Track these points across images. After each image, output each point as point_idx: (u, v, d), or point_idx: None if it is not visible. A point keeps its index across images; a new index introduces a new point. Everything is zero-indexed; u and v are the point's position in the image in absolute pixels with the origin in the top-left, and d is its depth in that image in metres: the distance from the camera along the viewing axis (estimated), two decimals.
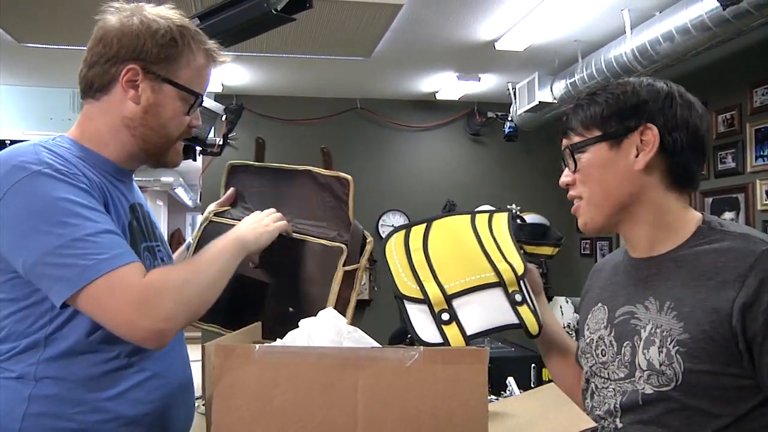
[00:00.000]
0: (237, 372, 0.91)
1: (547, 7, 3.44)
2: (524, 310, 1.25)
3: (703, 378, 1.05)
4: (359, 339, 1.08)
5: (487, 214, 1.41)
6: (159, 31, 1.23)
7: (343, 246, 1.48)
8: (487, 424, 0.92)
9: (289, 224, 1.48)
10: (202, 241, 1.51)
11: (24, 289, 1.14)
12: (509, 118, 5.13)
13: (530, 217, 1.50)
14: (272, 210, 1.45)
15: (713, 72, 4.08)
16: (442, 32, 3.94)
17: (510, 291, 1.27)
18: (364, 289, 5.30)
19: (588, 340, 1.27)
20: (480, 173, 5.79)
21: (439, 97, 5.42)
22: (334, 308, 1.42)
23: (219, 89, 5.13)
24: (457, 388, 0.91)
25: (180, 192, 10.92)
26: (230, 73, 4.80)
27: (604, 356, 1.21)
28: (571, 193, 1.24)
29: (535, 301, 1.31)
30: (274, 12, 1.88)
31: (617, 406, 1.16)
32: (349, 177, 1.55)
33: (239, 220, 1.45)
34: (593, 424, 1.13)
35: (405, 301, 1.27)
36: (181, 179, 9.76)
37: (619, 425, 1.15)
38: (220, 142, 4.96)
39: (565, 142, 1.24)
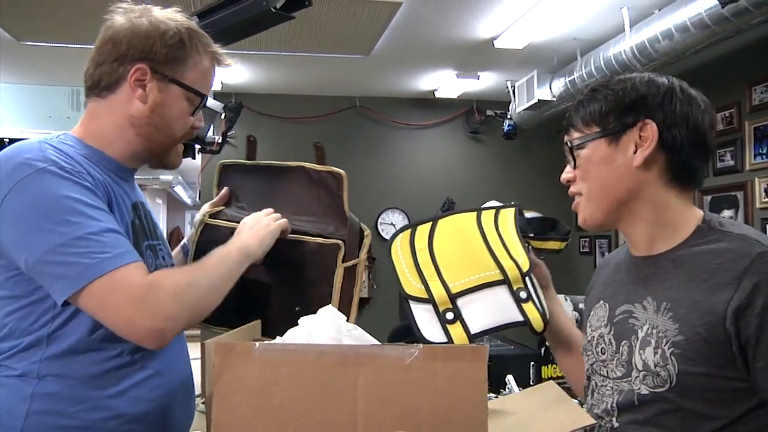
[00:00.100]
0: (237, 370, 0.91)
1: (546, 5, 3.44)
2: (529, 307, 1.25)
3: (698, 380, 1.04)
4: (359, 337, 1.08)
5: (494, 211, 1.40)
6: (168, 32, 1.24)
7: (340, 243, 1.48)
8: (487, 421, 0.93)
9: (287, 222, 1.48)
10: (201, 245, 1.50)
11: (26, 286, 1.14)
12: (508, 116, 5.13)
13: (529, 215, 1.49)
14: (270, 210, 1.45)
15: (712, 70, 4.08)
16: (441, 30, 3.94)
17: (515, 288, 1.26)
18: (364, 287, 5.30)
19: (589, 338, 1.27)
20: (479, 171, 5.79)
21: (438, 95, 5.42)
22: (339, 305, 1.43)
23: (218, 87, 5.12)
24: (457, 385, 0.91)
25: (179, 190, 10.91)
26: (229, 71, 4.79)
27: (603, 354, 1.21)
28: (572, 189, 1.24)
29: (541, 297, 1.30)
30: (273, 10, 1.88)
31: (614, 405, 1.16)
32: (342, 172, 1.54)
33: (235, 221, 1.45)
34: (592, 421, 1.13)
35: (410, 301, 1.28)
36: (180, 177, 9.75)
37: (616, 425, 1.15)
38: (220, 141, 4.94)
39: (566, 138, 1.24)
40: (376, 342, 1.08)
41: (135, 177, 1.39)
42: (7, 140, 4.84)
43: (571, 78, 4.16)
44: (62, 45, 4.06)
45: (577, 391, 1.41)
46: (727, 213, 4.07)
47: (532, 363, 3.14)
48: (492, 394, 2.30)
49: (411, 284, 1.29)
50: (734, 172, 4.06)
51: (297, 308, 1.42)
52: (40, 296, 1.14)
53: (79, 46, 3.95)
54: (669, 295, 1.11)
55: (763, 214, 3.89)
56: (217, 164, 1.67)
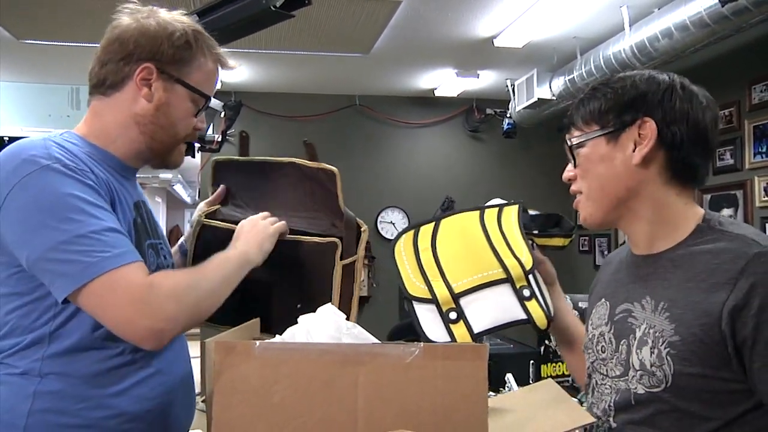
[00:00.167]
0: (237, 368, 0.91)
1: (546, 4, 3.44)
2: (532, 305, 1.25)
3: (693, 381, 1.04)
4: (358, 335, 1.08)
5: (497, 208, 1.40)
6: (175, 33, 1.26)
7: (337, 240, 1.48)
8: (487, 419, 0.93)
9: (285, 224, 1.47)
10: (199, 247, 1.50)
11: (28, 283, 1.14)
12: (508, 115, 5.13)
13: (533, 213, 1.48)
14: (266, 213, 1.45)
15: (712, 69, 4.08)
16: (440, 29, 3.94)
17: (518, 287, 1.27)
18: (363, 285, 5.31)
19: (590, 336, 1.27)
20: (478, 170, 5.79)
21: (437, 93, 5.42)
22: (339, 303, 1.43)
23: (218, 86, 5.10)
24: (458, 384, 0.91)
25: (178, 189, 10.92)
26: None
27: (603, 353, 1.21)
28: (573, 188, 1.24)
29: (546, 294, 1.30)
30: (273, 8, 1.89)
31: (611, 404, 1.15)
32: (334, 169, 1.53)
33: (233, 222, 1.45)
34: (592, 420, 1.13)
35: (414, 302, 1.28)
36: (179, 176, 9.76)
37: (613, 425, 1.15)
38: (219, 139, 4.96)
39: (567, 137, 1.24)
40: (375, 341, 1.08)
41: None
42: (7, 139, 4.85)
43: (571, 77, 4.16)
44: (62, 44, 4.06)
45: (583, 388, 1.41)
46: (726, 212, 4.07)
47: (531, 362, 3.14)
48: (491, 393, 2.30)
49: (414, 285, 1.29)
50: (734, 171, 4.06)
51: (298, 305, 1.42)
52: (42, 294, 1.14)
53: (79, 44, 3.96)
54: (667, 294, 1.10)
55: (762, 213, 3.89)
56: (210, 162, 1.66)
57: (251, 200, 1.56)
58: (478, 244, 1.33)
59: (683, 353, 1.04)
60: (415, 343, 0.93)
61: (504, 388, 2.43)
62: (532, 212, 1.47)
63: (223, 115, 4.91)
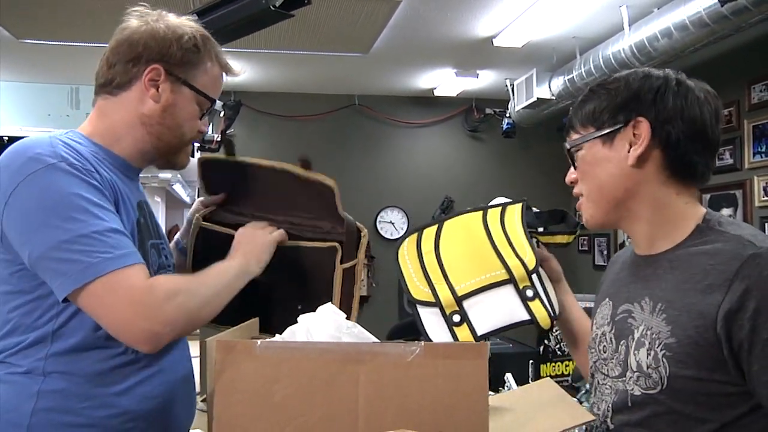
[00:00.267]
0: (238, 367, 0.91)
1: (546, 4, 3.44)
2: (535, 305, 1.25)
3: (689, 383, 1.03)
4: (358, 334, 1.08)
5: (500, 208, 1.40)
6: (184, 36, 1.28)
7: (337, 245, 1.48)
8: (488, 418, 0.93)
9: (283, 233, 1.46)
10: (198, 253, 1.50)
11: (30, 281, 1.14)
12: (507, 115, 5.13)
13: (537, 211, 1.48)
14: (264, 224, 1.45)
15: (711, 68, 4.08)
16: (440, 28, 3.94)
17: (521, 287, 1.27)
18: (363, 285, 5.31)
19: (594, 335, 1.26)
20: (478, 169, 5.79)
21: (437, 93, 5.42)
22: (339, 306, 1.43)
23: None
24: (458, 382, 0.92)
25: (177, 188, 10.90)
26: None
27: (605, 352, 1.21)
28: (575, 190, 1.24)
29: (550, 292, 1.30)
30: (273, 8, 1.89)
31: (610, 405, 1.15)
32: (332, 184, 1.47)
33: (231, 227, 1.45)
34: (590, 417, 1.13)
35: (418, 306, 1.28)
36: (178, 176, 9.74)
37: (611, 426, 1.15)
38: (219, 139, 4.94)
39: (567, 139, 1.24)
40: (375, 340, 1.08)
41: None
42: (6, 138, 4.85)
43: (570, 76, 4.17)
44: (62, 43, 4.06)
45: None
46: (725, 211, 4.07)
47: (531, 361, 3.13)
48: (491, 392, 2.30)
49: (418, 289, 1.29)
50: (733, 171, 4.06)
51: (299, 306, 1.42)
52: (44, 292, 1.14)
53: (79, 44, 3.95)
54: (665, 296, 1.10)
55: (762, 213, 3.90)
56: (197, 160, 1.58)
57: (248, 203, 1.54)
58: (481, 246, 1.33)
59: (679, 355, 1.03)
60: (416, 342, 0.94)
61: (503, 388, 2.43)
62: (535, 210, 1.47)
63: (222, 114, 4.89)
